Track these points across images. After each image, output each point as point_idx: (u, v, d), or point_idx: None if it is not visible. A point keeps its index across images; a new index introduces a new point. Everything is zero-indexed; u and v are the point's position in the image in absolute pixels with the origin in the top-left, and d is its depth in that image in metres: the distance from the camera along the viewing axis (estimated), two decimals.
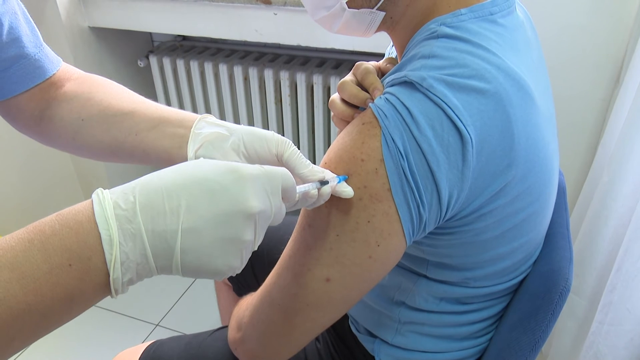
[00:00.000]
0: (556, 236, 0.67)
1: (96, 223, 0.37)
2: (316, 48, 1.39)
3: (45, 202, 1.74)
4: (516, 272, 0.63)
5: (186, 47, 1.72)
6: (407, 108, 0.48)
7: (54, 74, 0.62)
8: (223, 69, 1.57)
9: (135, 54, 1.76)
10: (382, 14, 0.56)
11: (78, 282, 0.36)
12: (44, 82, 0.61)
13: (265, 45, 1.65)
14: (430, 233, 0.54)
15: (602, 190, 1.04)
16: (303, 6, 1.30)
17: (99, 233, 0.36)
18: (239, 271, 0.42)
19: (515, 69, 0.50)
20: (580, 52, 1.19)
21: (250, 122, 1.67)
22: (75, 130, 0.61)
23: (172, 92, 1.73)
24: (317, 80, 1.48)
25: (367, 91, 0.55)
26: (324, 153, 1.62)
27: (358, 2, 0.55)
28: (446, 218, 0.52)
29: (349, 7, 0.55)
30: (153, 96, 1.78)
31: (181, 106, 1.76)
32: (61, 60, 0.64)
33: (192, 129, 0.55)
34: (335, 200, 0.50)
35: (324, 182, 0.48)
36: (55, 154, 1.73)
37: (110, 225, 0.36)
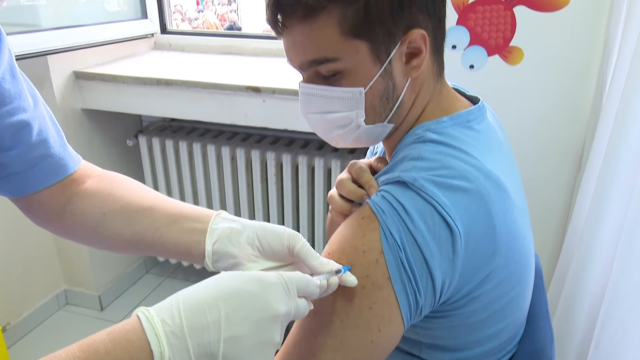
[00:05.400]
0: (537, 317, 0.71)
1: (147, 341, 0.40)
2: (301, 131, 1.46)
3: (23, 278, 1.69)
4: (503, 352, 0.66)
5: (175, 127, 1.77)
6: (402, 204, 0.53)
7: (75, 170, 0.65)
8: (211, 149, 1.62)
9: (125, 133, 1.79)
10: (391, 125, 0.63)
11: None
12: (66, 178, 0.64)
13: (252, 127, 1.72)
14: (425, 317, 0.58)
15: (575, 271, 1.08)
16: (290, 94, 1.39)
17: (151, 351, 0.40)
18: None
19: (492, 169, 0.57)
20: (545, 140, 1.30)
21: (236, 200, 1.70)
22: (96, 224, 0.63)
23: (159, 172, 1.74)
24: (302, 160, 1.54)
25: (362, 188, 0.61)
26: (308, 231, 1.65)
27: (371, 119, 0.61)
28: (440, 303, 0.56)
29: (366, 124, 0.61)
30: (141, 175, 1.80)
31: (168, 185, 1.78)
32: (81, 158, 0.68)
33: (209, 225, 0.59)
34: (339, 288, 0.52)
35: (336, 272, 0.52)
36: (35, 230, 1.69)
37: (161, 342, 0.40)
